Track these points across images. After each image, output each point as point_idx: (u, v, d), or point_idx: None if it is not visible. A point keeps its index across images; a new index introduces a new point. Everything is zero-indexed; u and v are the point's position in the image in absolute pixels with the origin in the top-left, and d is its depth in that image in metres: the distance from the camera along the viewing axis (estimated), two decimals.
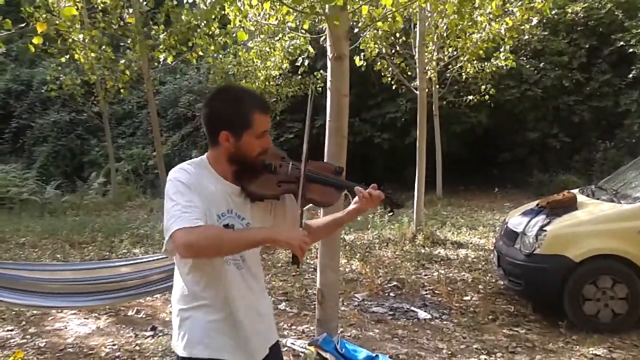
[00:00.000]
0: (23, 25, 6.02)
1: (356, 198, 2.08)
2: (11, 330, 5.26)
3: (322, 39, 4.93)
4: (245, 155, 1.93)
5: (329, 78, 4.25)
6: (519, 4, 8.63)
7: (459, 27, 8.14)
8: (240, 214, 1.97)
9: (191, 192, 1.83)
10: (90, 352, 4.74)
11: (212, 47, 9.26)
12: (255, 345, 2.02)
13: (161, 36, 8.31)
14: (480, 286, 6.44)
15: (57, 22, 5.63)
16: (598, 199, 5.71)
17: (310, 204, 2.03)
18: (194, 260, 1.92)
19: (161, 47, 8.59)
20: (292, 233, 1.86)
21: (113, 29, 8.26)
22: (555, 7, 14.19)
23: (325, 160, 4.31)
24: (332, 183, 2.05)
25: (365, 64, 9.11)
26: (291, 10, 3.81)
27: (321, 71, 11.32)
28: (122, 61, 9.36)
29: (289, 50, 10.60)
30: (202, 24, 8.00)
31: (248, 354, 2.00)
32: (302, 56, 10.18)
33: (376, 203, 2.07)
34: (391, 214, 2.22)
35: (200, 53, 9.23)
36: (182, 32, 7.84)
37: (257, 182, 1.96)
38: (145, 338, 5.01)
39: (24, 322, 5.46)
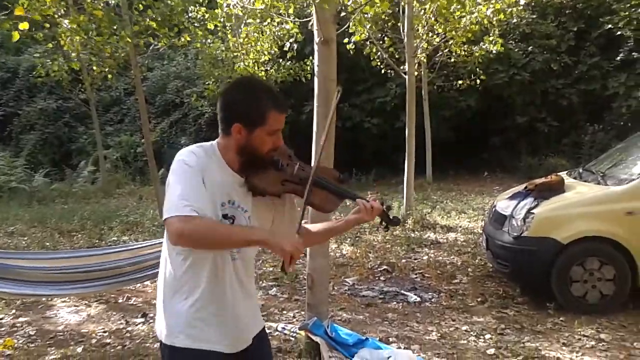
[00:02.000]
0: (7, 12, 5.95)
1: (356, 208, 2.09)
2: (1, 319, 5.25)
3: (309, 23, 4.89)
4: (255, 150, 1.92)
5: (316, 63, 4.23)
6: None
7: (449, 10, 8.13)
8: (243, 206, 1.96)
9: (197, 177, 1.82)
10: (81, 339, 4.74)
11: (200, 33, 9.17)
12: (239, 335, 2.02)
13: (144, 20, 8.19)
14: (469, 269, 6.49)
15: (42, 7, 5.54)
16: (585, 181, 5.74)
17: (309, 207, 2.02)
18: (184, 250, 1.90)
19: (147, 33, 8.51)
20: (286, 239, 1.83)
21: (102, 15, 8.13)
22: None
23: (313, 147, 4.31)
24: (335, 191, 2.04)
25: (354, 48, 9.08)
26: None
27: (310, 57, 11.27)
28: (108, 47, 9.25)
29: (278, 34, 10.55)
30: (189, 8, 7.90)
31: (232, 344, 2.00)
32: (290, 41, 10.13)
33: (375, 216, 2.08)
34: (386, 230, 2.20)
35: (188, 39, 9.14)
36: (163, 14, 7.70)
37: (262, 176, 1.95)
38: (136, 325, 5.02)
39: (14, 310, 5.45)
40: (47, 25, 8.73)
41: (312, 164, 1.99)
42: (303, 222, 2.03)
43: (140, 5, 8.15)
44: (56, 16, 8.94)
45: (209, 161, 1.90)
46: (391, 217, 2.16)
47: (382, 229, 2.20)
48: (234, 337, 2.00)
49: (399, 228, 8.44)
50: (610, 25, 13.88)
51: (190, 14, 9.20)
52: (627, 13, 13.65)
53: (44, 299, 5.47)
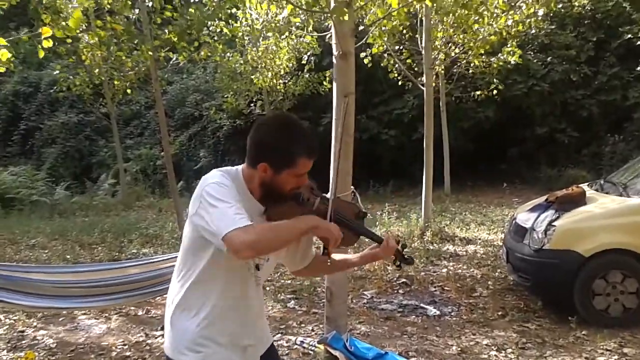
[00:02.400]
0: (31, 28, 6.06)
1: (373, 245, 2.11)
2: (22, 332, 5.30)
3: (327, 36, 4.92)
4: (277, 188, 1.92)
5: (334, 76, 4.25)
6: None
7: (466, 22, 8.11)
8: None
9: (235, 196, 1.82)
10: (101, 352, 4.77)
11: (220, 46, 9.25)
12: (247, 353, 2.02)
13: (164, 34, 8.30)
14: (489, 282, 6.43)
15: (64, 24, 5.63)
16: (607, 193, 5.67)
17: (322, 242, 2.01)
18: (205, 267, 1.90)
19: (167, 47, 8.61)
20: (333, 225, 1.88)
21: (122, 30, 8.24)
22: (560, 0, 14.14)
23: (332, 160, 4.31)
24: (354, 228, 2.04)
25: (371, 61, 9.09)
26: (295, 9, 3.78)
27: (329, 70, 11.34)
28: (129, 60, 9.38)
29: (297, 48, 10.63)
30: (208, 22, 7.97)
31: None
32: (308, 54, 10.20)
33: (391, 253, 2.09)
34: (399, 268, 2.20)
35: (208, 53, 9.24)
36: (182, 28, 7.78)
37: (282, 209, 1.94)
38: (156, 338, 5.03)
39: (35, 323, 5.50)
40: (69, 40, 8.90)
41: (330, 187, 1.99)
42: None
43: (159, 19, 8.26)
44: (78, 31, 9.10)
45: (234, 186, 1.88)
46: (406, 257, 2.15)
47: (395, 267, 2.20)
48: (242, 355, 2.00)
49: (417, 240, 8.41)
50: (629, 35, 13.76)
51: (210, 29, 9.28)
52: None
53: (64, 311, 5.51)
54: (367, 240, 2.11)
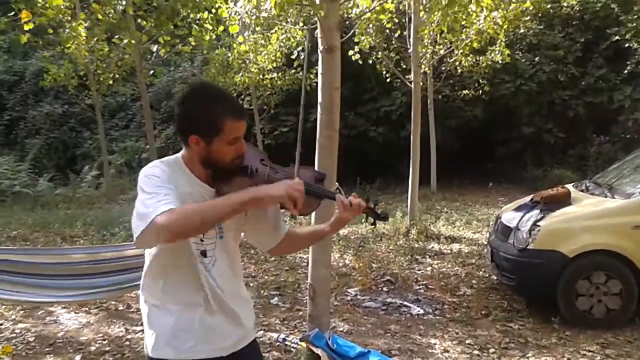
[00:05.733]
0: (13, 14, 5.95)
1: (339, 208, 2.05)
2: (0, 325, 5.21)
3: (316, 31, 4.87)
4: (217, 161, 1.86)
5: (320, 70, 4.20)
6: None
7: (453, 19, 8.09)
8: None
9: (168, 186, 1.77)
10: (80, 346, 4.69)
11: (207, 38, 9.11)
12: (225, 345, 1.97)
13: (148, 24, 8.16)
14: (473, 281, 6.42)
15: (46, 10, 5.52)
16: (592, 194, 5.69)
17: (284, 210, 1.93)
18: (160, 259, 1.88)
19: (149, 39, 8.50)
20: (276, 185, 1.77)
21: (110, 20, 8.09)
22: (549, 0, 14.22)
23: (317, 155, 4.27)
24: (313, 192, 1.97)
25: (360, 57, 9.06)
26: (278, 1, 3.72)
27: (315, 68, 11.31)
28: (112, 54, 9.27)
29: (284, 42, 10.55)
30: (189, 12, 7.85)
31: (218, 349, 1.95)
32: (297, 49, 10.12)
33: (357, 212, 2.03)
34: (373, 226, 2.14)
35: (193, 43, 9.12)
36: (159, 16, 7.63)
37: (233, 185, 1.87)
38: (136, 333, 4.96)
39: (13, 316, 5.41)
40: (51, 30, 8.76)
41: (297, 155, 1.94)
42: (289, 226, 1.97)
43: (142, 13, 8.13)
44: (65, 20, 8.97)
45: (174, 174, 1.84)
46: (379, 213, 2.10)
47: (370, 226, 2.14)
48: (220, 345, 1.96)
49: (402, 238, 8.39)
50: (617, 37, 13.83)
51: (195, 19, 9.13)
52: (634, 25, 13.61)
53: (44, 305, 5.43)
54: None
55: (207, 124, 1.82)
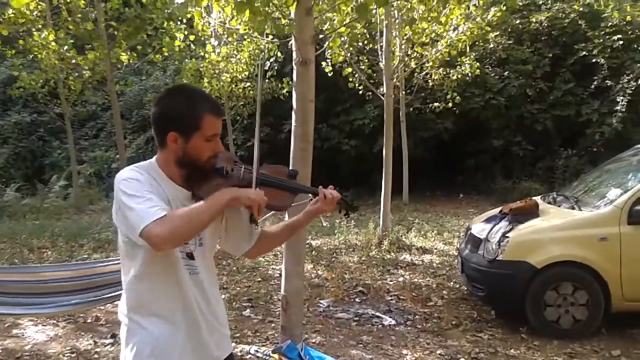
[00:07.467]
0: None
1: (313, 200, 2.08)
2: None
3: (289, 43, 4.90)
4: (194, 159, 1.87)
5: (294, 83, 4.22)
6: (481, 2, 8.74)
7: (421, 34, 8.25)
8: None
9: (149, 188, 1.77)
10: (47, 359, 4.60)
11: (177, 43, 9.06)
12: (206, 356, 1.96)
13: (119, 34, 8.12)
14: (444, 292, 6.49)
15: (10, 16, 5.42)
16: (559, 206, 5.80)
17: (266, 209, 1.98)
18: (142, 267, 1.85)
19: (122, 47, 8.44)
20: (251, 191, 1.84)
21: (81, 29, 8.02)
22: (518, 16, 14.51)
23: (291, 167, 4.28)
24: (285, 186, 2.01)
25: (333, 70, 9.12)
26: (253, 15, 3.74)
27: (287, 78, 11.32)
28: (82, 62, 9.16)
29: (255, 53, 10.56)
30: (161, 22, 7.84)
31: (200, 357, 1.94)
32: (271, 60, 10.13)
33: (333, 204, 2.06)
34: (346, 216, 2.19)
35: (165, 53, 9.09)
36: (131, 25, 7.58)
37: (208, 186, 1.89)
38: (105, 346, 4.88)
39: None
40: (22, 41, 8.67)
41: (255, 154, 1.97)
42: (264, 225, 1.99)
43: (114, 23, 8.10)
44: (33, 29, 8.87)
45: (150, 179, 1.84)
46: (351, 204, 2.13)
47: (344, 216, 2.17)
48: (201, 355, 1.94)
49: (375, 249, 8.43)
50: (585, 53, 14.16)
51: (166, 29, 9.09)
52: (601, 40, 13.97)
53: (11, 318, 5.31)
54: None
55: (187, 118, 1.84)
